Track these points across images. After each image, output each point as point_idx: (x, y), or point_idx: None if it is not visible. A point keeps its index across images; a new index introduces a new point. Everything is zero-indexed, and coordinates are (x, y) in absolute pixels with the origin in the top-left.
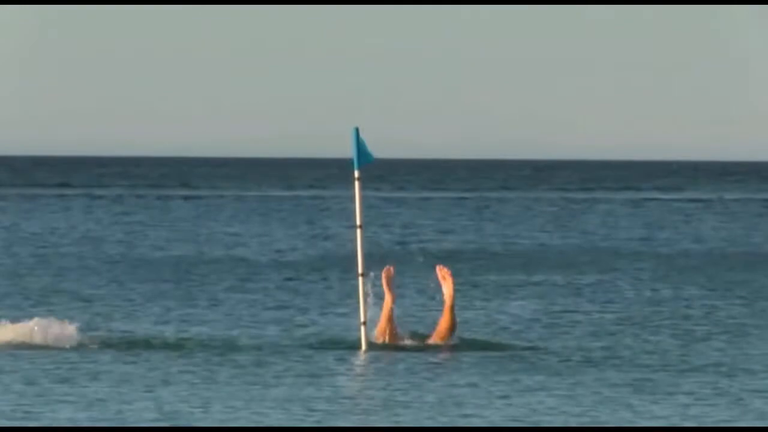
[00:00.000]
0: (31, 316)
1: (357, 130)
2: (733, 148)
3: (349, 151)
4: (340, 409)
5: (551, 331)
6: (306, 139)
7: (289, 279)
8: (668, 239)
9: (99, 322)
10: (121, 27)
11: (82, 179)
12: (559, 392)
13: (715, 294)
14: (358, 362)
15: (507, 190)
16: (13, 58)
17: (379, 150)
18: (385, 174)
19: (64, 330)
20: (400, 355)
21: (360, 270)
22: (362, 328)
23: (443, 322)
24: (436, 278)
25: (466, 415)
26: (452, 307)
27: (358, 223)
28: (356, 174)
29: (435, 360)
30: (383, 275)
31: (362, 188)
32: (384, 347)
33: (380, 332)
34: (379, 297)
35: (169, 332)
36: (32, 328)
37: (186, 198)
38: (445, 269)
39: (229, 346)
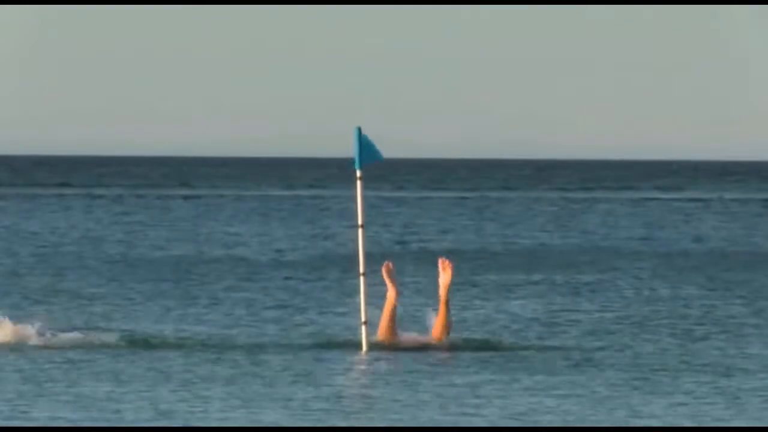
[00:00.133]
0: (30, 316)
1: (359, 129)
2: (733, 148)
3: (350, 151)
4: (340, 409)
5: (551, 330)
6: (306, 139)
7: (289, 279)
8: (668, 239)
9: (98, 322)
10: (121, 27)
11: (82, 179)
12: (559, 392)
13: (715, 294)
14: (358, 362)
15: (507, 190)
16: (13, 58)
17: (379, 150)
18: (385, 174)
19: (63, 330)
20: (401, 355)
21: (361, 269)
22: (363, 328)
23: (438, 318)
24: (437, 272)
25: (466, 415)
26: (447, 302)
27: (359, 222)
28: (358, 173)
29: (435, 360)
30: (383, 270)
31: (363, 188)
32: (384, 347)
33: (382, 329)
34: (379, 296)
35: (169, 331)
36: (30, 328)
37: (186, 198)
38: (447, 261)
39: (229, 346)
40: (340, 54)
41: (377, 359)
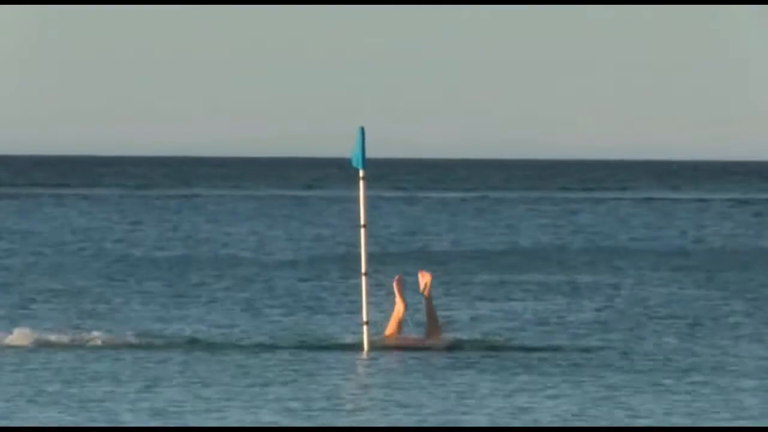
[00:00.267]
0: (29, 315)
1: (362, 129)
2: (733, 148)
3: (349, 151)
4: (340, 409)
5: (550, 330)
6: (306, 139)
7: (290, 279)
8: (668, 239)
9: (97, 322)
10: (121, 27)
11: (82, 179)
12: (557, 391)
13: (714, 294)
14: (359, 362)
15: (507, 190)
16: (13, 58)
17: (379, 150)
18: (385, 174)
19: (58, 331)
20: (402, 355)
21: (363, 269)
22: (365, 328)
23: (427, 317)
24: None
25: (465, 414)
26: (430, 298)
27: (362, 222)
28: (361, 173)
29: (435, 360)
30: (395, 284)
31: (366, 188)
32: (386, 347)
33: (387, 336)
34: (380, 297)
35: (168, 331)
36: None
37: (186, 198)
38: (424, 271)
39: (229, 346)
40: (340, 54)
41: (378, 359)
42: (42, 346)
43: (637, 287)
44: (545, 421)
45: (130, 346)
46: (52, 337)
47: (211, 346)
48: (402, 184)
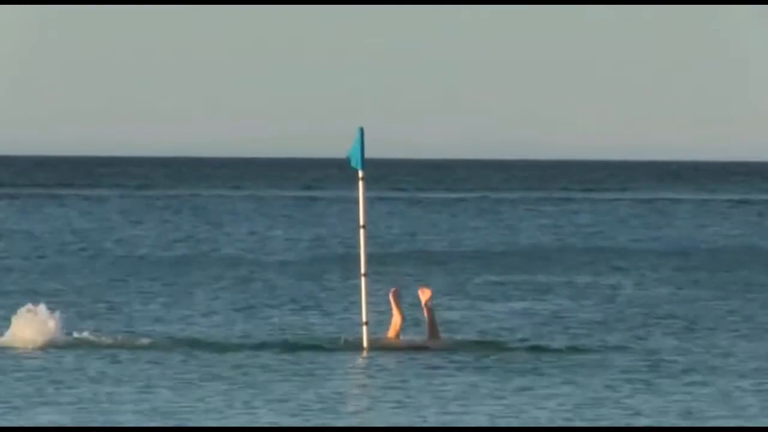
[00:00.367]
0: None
1: (362, 130)
2: (733, 148)
3: (348, 150)
4: (339, 409)
5: (549, 330)
6: (306, 139)
7: (289, 279)
8: (668, 239)
9: (96, 322)
10: (121, 27)
11: (82, 179)
12: (556, 391)
13: (714, 294)
14: (359, 363)
15: (507, 191)
16: (13, 58)
17: (379, 150)
18: (385, 174)
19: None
20: (401, 355)
21: (363, 270)
22: (364, 329)
23: (428, 325)
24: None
25: (464, 414)
26: (431, 309)
27: (361, 223)
28: (360, 174)
29: (435, 360)
30: (391, 296)
31: (365, 188)
32: (385, 348)
33: (386, 343)
34: (380, 297)
35: (168, 331)
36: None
37: (186, 198)
38: (428, 291)
39: (228, 346)
40: (340, 54)
41: (378, 360)
42: (42, 346)
43: (637, 287)
44: (544, 421)
45: (130, 346)
46: (52, 338)
47: (211, 346)
48: (402, 185)
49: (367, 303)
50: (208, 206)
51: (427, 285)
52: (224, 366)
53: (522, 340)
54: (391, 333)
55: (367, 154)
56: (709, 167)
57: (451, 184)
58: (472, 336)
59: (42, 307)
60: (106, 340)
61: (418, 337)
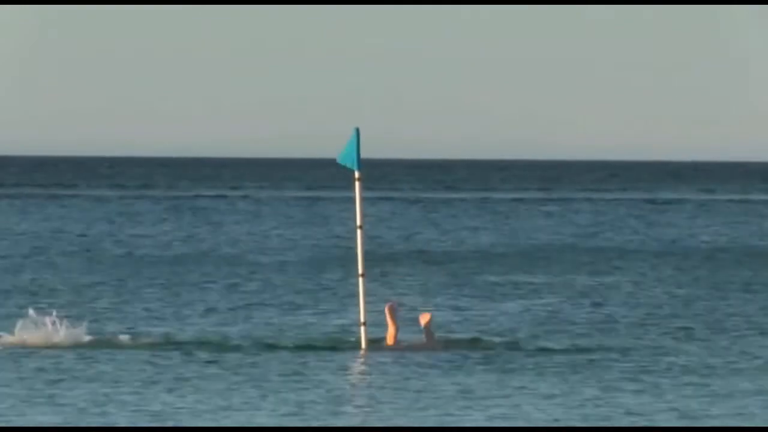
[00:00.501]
0: (27, 315)
1: (358, 130)
2: (733, 148)
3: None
4: (338, 409)
5: (547, 330)
6: (306, 139)
7: (288, 279)
8: (668, 239)
9: (96, 322)
10: (121, 27)
11: (82, 179)
12: (556, 391)
13: (714, 293)
14: (357, 362)
15: (506, 191)
16: (13, 58)
17: (379, 150)
18: (385, 174)
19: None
20: (400, 355)
21: (360, 270)
22: (362, 329)
23: (426, 340)
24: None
25: (463, 415)
26: (431, 334)
27: (358, 223)
28: (357, 174)
29: (433, 360)
30: (387, 310)
31: (362, 189)
32: (383, 348)
33: (385, 346)
34: (378, 297)
35: (168, 331)
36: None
37: (186, 198)
38: (427, 315)
39: (228, 346)
40: (340, 54)
41: (376, 360)
42: (41, 346)
43: (637, 287)
44: (543, 421)
45: (129, 346)
46: (52, 337)
47: (210, 346)
48: (402, 185)
49: (365, 303)
50: (207, 206)
51: (428, 311)
52: (223, 366)
53: (521, 339)
54: (389, 342)
55: (368, 155)
56: (709, 167)
57: (451, 184)
58: (471, 336)
59: (46, 318)
60: (104, 339)
61: (416, 337)
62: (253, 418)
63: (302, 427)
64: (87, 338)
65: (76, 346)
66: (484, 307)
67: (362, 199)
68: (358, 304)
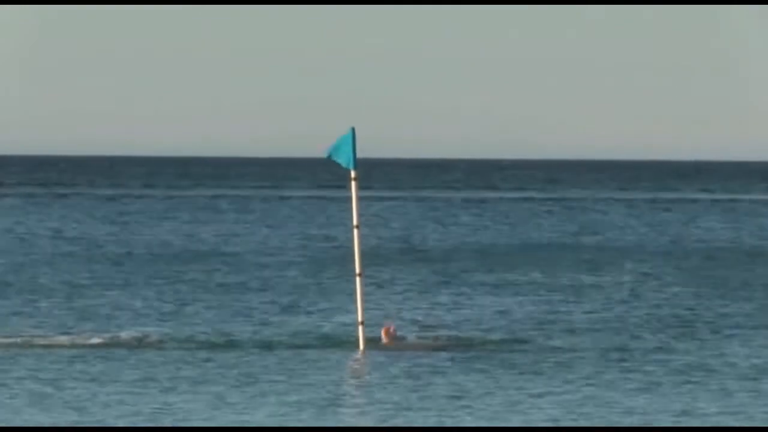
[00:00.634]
0: (29, 315)
1: (353, 130)
2: (733, 148)
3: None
4: (337, 409)
5: (546, 330)
6: (306, 139)
7: (287, 278)
8: (668, 239)
9: (96, 321)
10: (121, 27)
11: (82, 179)
12: (555, 390)
13: (714, 293)
14: (356, 361)
15: (506, 190)
16: (13, 58)
17: (379, 150)
18: (385, 174)
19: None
20: (398, 354)
21: (358, 270)
22: (360, 328)
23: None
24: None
25: (461, 414)
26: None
27: (354, 223)
28: (353, 174)
29: (432, 359)
30: (383, 334)
31: (361, 188)
32: (381, 347)
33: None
34: (377, 296)
35: (167, 330)
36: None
37: (185, 198)
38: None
39: (227, 345)
40: (340, 54)
41: (374, 359)
42: (41, 346)
43: (637, 286)
44: (541, 421)
45: (128, 346)
46: (51, 337)
47: (208, 345)
48: (401, 184)
49: (363, 302)
50: (207, 206)
51: (388, 321)
52: (221, 365)
53: (521, 339)
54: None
55: (368, 154)
56: (709, 167)
57: (451, 184)
58: (470, 335)
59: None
60: (103, 339)
61: (414, 335)
62: (251, 417)
63: (301, 427)
64: (86, 338)
65: (74, 346)
66: (483, 305)
67: (358, 198)
68: (355, 304)
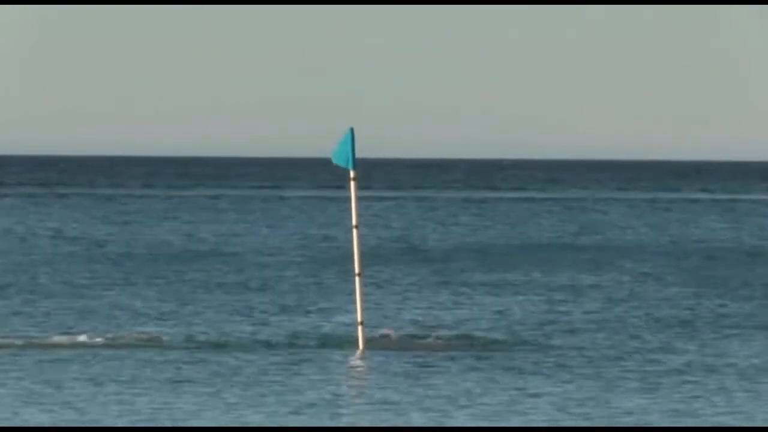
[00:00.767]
0: (29, 315)
1: (352, 130)
2: (733, 148)
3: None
4: (336, 409)
5: (545, 330)
6: (306, 139)
7: (288, 278)
8: (668, 238)
9: (95, 321)
10: (121, 27)
11: (83, 179)
12: (553, 391)
13: (714, 292)
14: (355, 361)
15: (506, 190)
16: (13, 58)
17: (379, 150)
18: (384, 174)
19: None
20: (397, 354)
21: (357, 270)
22: (359, 328)
23: None
24: None
25: (461, 414)
26: None
27: (354, 223)
28: (352, 174)
29: (431, 359)
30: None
31: (361, 188)
32: (382, 347)
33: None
34: (375, 296)
35: (166, 331)
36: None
37: (186, 198)
38: None
39: (226, 345)
40: (340, 54)
41: (373, 359)
42: (40, 346)
43: (637, 286)
44: (540, 421)
45: (128, 346)
46: (51, 337)
47: (209, 346)
48: (401, 184)
49: (362, 302)
50: (207, 206)
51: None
52: (220, 365)
53: (521, 339)
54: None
55: (367, 154)
56: (709, 167)
57: (451, 183)
58: (470, 335)
59: None
60: (103, 339)
61: (415, 337)
62: (251, 417)
63: (301, 427)
64: (85, 338)
65: (74, 346)
66: (483, 305)
67: (357, 198)
68: (355, 304)
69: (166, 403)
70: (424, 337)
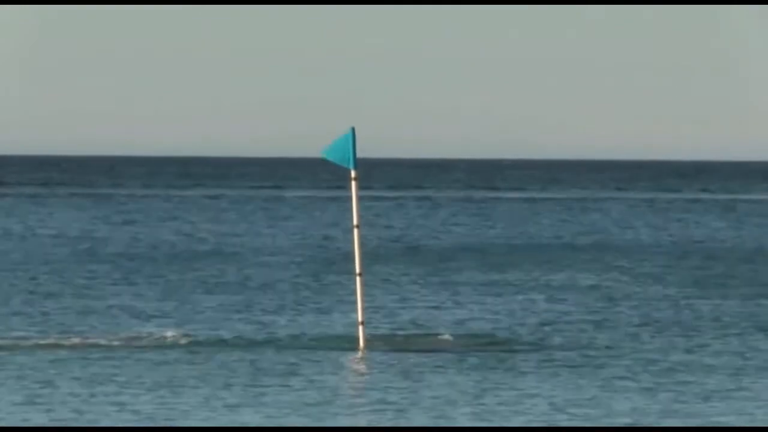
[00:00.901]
0: (28, 315)
1: (353, 130)
2: (733, 148)
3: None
4: (336, 409)
5: (546, 329)
6: (306, 139)
7: (288, 278)
8: (668, 238)
9: (95, 321)
10: (121, 27)
11: (83, 179)
12: (550, 391)
13: (714, 292)
14: (355, 361)
15: (506, 190)
16: (13, 58)
17: (379, 150)
18: (384, 174)
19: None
20: (398, 354)
21: (358, 269)
22: (360, 328)
23: None
24: None
25: (459, 414)
26: None
27: (354, 223)
28: (353, 174)
29: (431, 359)
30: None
31: (361, 188)
32: (382, 347)
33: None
34: (375, 296)
35: (166, 331)
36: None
37: (186, 198)
38: None
39: (226, 345)
40: (340, 54)
41: (374, 359)
42: (40, 346)
43: (637, 286)
44: (539, 421)
45: (128, 346)
46: (51, 337)
47: (207, 345)
48: (402, 184)
49: (363, 302)
50: (207, 206)
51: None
52: (219, 365)
53: (521, 338)
54: None
55: (368, 154)
56: (709, 167)
57: (450, 183)
58: (470, 334)
59: None
60: (102, 339)
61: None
62: (250, 417)
63: (301, 427)
64: (85, 338)
65: (74, 346)
66: (483, 305)
67: (358, 198)
68: (355, 304)
69: (165, 403)
70: (424, 337)
